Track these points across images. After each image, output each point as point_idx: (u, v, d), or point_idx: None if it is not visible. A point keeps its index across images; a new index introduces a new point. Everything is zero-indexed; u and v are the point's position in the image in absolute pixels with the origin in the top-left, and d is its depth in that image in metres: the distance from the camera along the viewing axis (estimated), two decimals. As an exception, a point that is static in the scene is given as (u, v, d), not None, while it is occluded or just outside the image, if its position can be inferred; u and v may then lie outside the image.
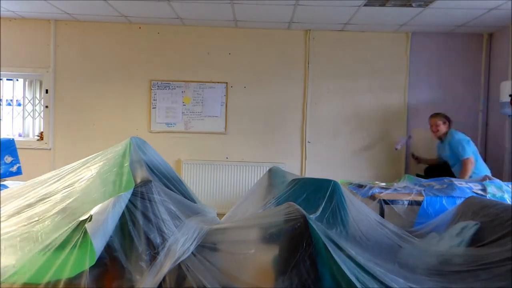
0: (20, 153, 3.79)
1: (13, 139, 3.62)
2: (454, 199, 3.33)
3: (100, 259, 1.60)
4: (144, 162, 2.05)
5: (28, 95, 5.77)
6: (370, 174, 5.43)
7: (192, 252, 1.67)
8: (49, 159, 5.54)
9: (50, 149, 5.56)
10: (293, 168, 5.51)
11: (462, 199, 2.78)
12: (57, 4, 4.79)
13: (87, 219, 1.59)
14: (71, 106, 5.55)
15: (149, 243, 1.72)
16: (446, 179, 3.89)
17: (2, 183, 3.03)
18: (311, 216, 1.77)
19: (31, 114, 5.77)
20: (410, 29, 5.36)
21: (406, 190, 3.69)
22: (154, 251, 1.70)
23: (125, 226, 1.72)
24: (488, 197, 3.29)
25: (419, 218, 3.23)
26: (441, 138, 4.66)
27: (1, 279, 1.49)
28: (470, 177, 4.18)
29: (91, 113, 5.55)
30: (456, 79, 5.52)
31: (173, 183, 2.19)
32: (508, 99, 4.64)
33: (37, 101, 5.76)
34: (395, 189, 3.75)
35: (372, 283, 1.54)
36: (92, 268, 1.55)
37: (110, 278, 1.68)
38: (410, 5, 4.32)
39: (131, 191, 1.76)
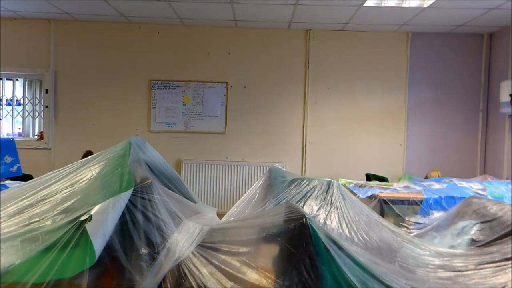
0: (20, 153, 3.78)
1: (13, 139, 3.62)
2: (454, 199, 3.34)
3: (100, 259, 1.60)
4: (144, 162, 2.04)
5: (28, 95, 5.78)
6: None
7: (192, 252, 1.67)
8: (49, 159, 5.54)
9: (50, 149, 5.56)
10: (293, 168, 5.51)
11: (462, 199, 2.77)
12: (57, 4, 4.79)
13: (87, 219, 1.60)
14: (71, 106, 5.56)
15: (149, 243, 1.72)
16: (446, 179, 3.89)
17: (2, 183, 3.03)
18: (311, 216, 1.77)
19: (31, 114, 5.77)
20: (410, 29, 5.36)
21: (406, 190, 3.69)
22: (154, 251, 1.70)
23: (125, 226, 1.72)
24: (488, 197, 3.29)
25: (419, 218, 3.23)
26: None
27: (1, 279, 1.49)
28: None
29: (91, 113, 5.55)
30: (456, 79, 5.52)
31: (173, 183, 2.19)
32: (508, 99, 4.64)
33: (37, 101, 5.76)
34: (395, 189, 3.75)
35: (372, 283, 1.54)
36: (92, 268, 1.55)
37: (110, 278, 1.68)
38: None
39: (131, 191, 1.76)
